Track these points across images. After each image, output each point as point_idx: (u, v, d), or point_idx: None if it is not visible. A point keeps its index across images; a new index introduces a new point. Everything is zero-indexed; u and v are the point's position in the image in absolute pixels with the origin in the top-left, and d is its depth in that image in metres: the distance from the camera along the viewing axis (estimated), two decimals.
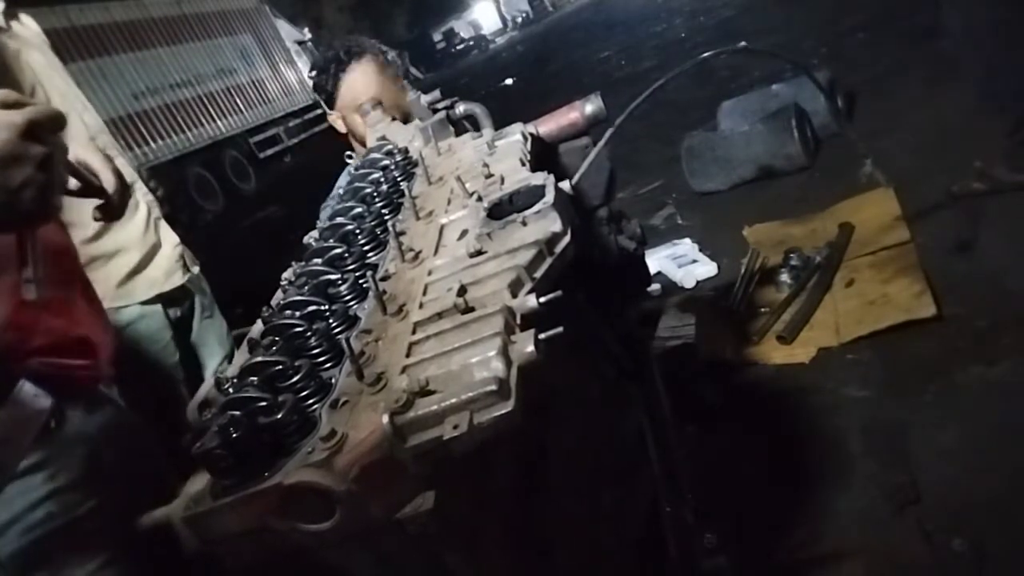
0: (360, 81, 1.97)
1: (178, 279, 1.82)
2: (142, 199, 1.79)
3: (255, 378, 0.91)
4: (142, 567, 1.01)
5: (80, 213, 1.26)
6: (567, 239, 1.03)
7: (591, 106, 1.64)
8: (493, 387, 0.76)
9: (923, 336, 2.25)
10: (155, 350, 1.75)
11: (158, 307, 1.76)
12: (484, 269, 1.00)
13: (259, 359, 0.93)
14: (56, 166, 0.83)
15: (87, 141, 1.60)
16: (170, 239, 1.80)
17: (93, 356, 1.07)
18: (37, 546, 0.95)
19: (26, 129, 0.80)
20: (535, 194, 1.11)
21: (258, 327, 1.11)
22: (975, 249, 2.52)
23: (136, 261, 1.72)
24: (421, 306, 0.98)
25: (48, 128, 0.83)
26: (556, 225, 1.03)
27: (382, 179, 1.45)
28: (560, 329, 0.84)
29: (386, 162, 1.54)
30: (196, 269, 1.91)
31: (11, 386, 0.95)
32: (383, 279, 1.11)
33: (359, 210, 1.32)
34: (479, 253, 1.03)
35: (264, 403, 0.83)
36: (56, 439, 0.99)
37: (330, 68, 1.98)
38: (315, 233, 1.31)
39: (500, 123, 1.69)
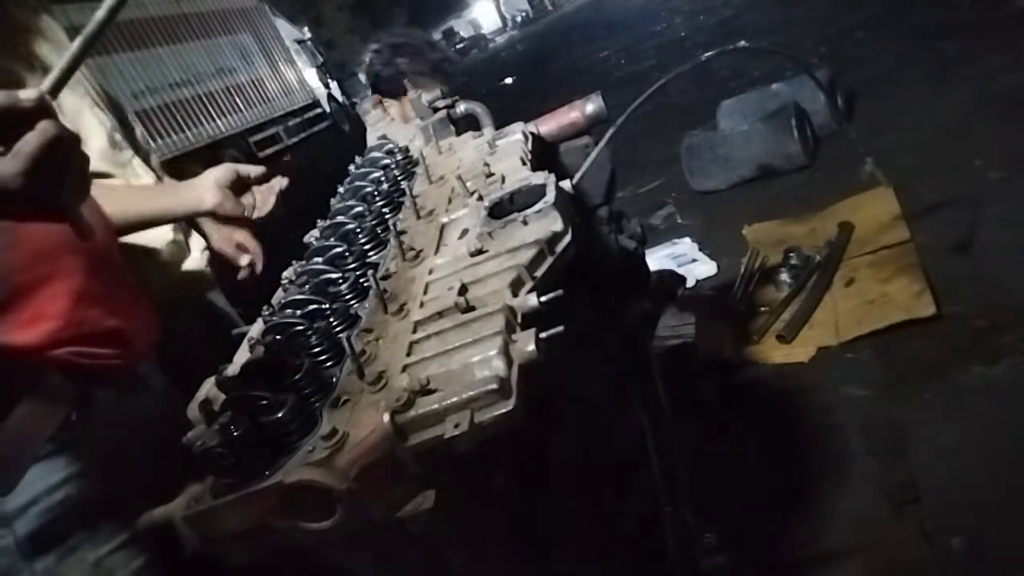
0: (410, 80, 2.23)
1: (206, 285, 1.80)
2: None
3: (256, 377, 0.90)
4: (156, 551, 1.01)
5: None
6: (568, 238, 1.03)
7: (592, 106, 1.64)
8: (494, 386, 0.76)
9: (923, 335, 2.25)
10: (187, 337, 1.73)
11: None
12: (485, 268, 1.00)
13: (260, 358, 0.93)
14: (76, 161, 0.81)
15: (105, 142, 1.56)
16: (198, 244, 1.75)
17: (126, 346, 1.07)
18: (52, 527, 0.95)
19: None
20: (536, 193, 1.11)
21: (259, 326, 1.11)
22: (975, 248, 2.52)
23: (160, 262, 1.67)
24: (422, 305, 0.98)
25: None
26: (557, 224, 1.03)
27: (383, 178, 1.45)
28: (561, 328, 0.84)
29: (387, 161, 1.54)
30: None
31: (37, 376, 0.95)
32: (384, 278, 1.11)
33: (360, 209, 1.32)
34: (480, 252, 1.03)
35: (265, 402, 0.83)
36: (82, 424, 0.99)
37: (390, 63, 2.24)
38: (316, 232, 1.32)
39: (500, 122, 1.70)
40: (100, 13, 0.75)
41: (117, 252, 1.19)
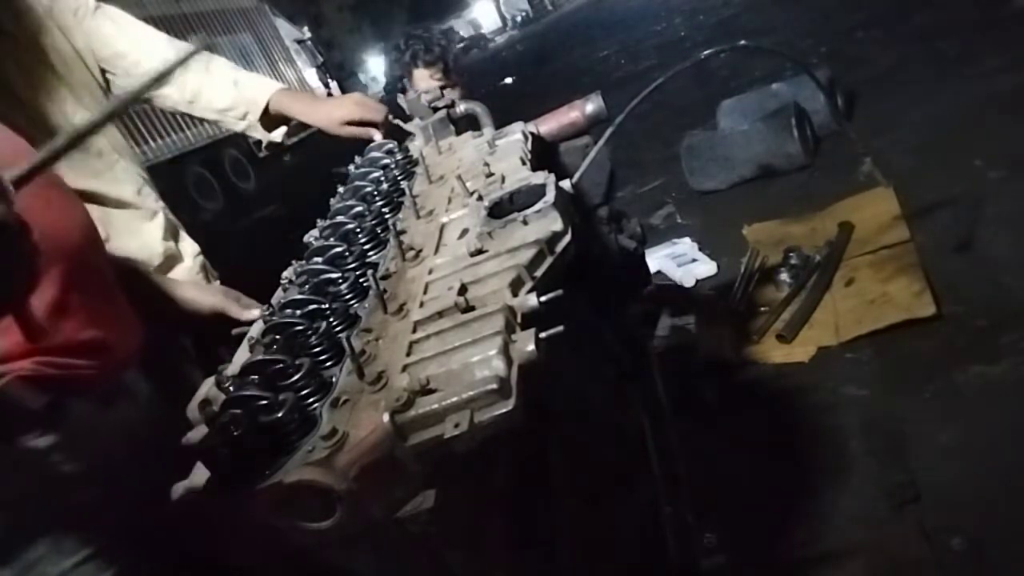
0: (423, 79, 2.46)
1: None
2: (160, 209, 1.68)
3: (256, 377, 0.90)
4: (127, 564, 1.00)
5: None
6: (568, 238, 1.03)
7: (592, 105, 1.64)
8: (494, 386, 0.76)
9: (923, 335, 2.25)
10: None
11: None
12: (485, 268, 1.00)
13: (260, 358, 0.93)
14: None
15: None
16: (190, 250, 1.71)
17: (103, 357, 1.05)
18: (10, 541, 0.94)
19: None
20: (536, 193, 1.11)
21: (258, 326, 1.11)
22: (974, 248, 2.52)
23: (154, 271, 1.59)
24: (422, 305, 0.98)
25: None
26: (557, 224, 1.03)
27: (383, 178, 1.45)
28: (561, 328, 0.84)
29: (387, 161, 1.54)
30: (216, 282, 1.85)
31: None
32: (384, 278, 1.11)
33: (359, 209, 1.32)
34: (480, 252, 1.03)
35: (265, 402, 0.83)
36: (47, 435, 0.98)
37: (403, 60, 2.49)
38: (315, 232, 1.32)
39: (500, 122, 1.69)
40: (82, 124, 0.71)
41: (101, 257, 1.17)
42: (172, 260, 1.65)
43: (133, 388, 1.13)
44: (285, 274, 1.24)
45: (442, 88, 2.31)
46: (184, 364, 1.49)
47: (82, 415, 1.01)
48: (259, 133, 1.79)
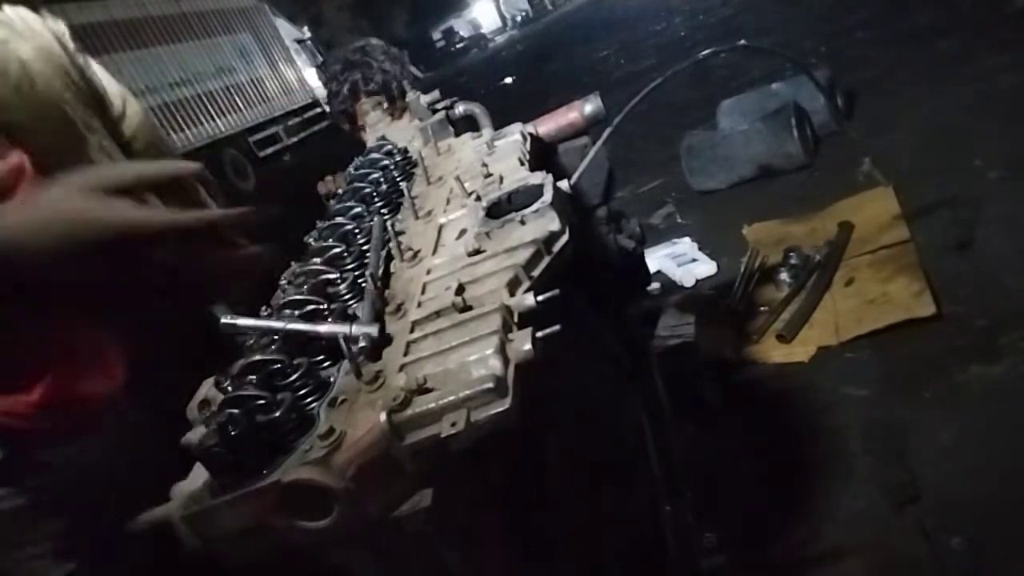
0: (370, 111, 2.18)
1: None
2: None
3: (254, 376, 0.90)
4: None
5: None
6: (565, 238, 1.03)
7: (590, 106, 1.64)
8: (490, 385, 0.76)
9: (922, 335, 2.25)
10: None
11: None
12: (482, 268, 1.00)
13: (258, 358, 0.93)
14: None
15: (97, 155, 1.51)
16: None
17: (95, 406, 1.05)
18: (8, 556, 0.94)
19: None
20: (533, 193, 1.11)
21: None
22: (974, 248, 2.52)
23: None
24: (419, 305, 0.98)
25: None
26: (554, 224, 1.03)
27: (381, 179, 1.45)
28: (557, 327, 0.84)
29: (385, 162, 1.54)
30: None
31: None
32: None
33: (358, 210, 1.32)
34: (477, 252, 1.03)
35: (262, 401, 0.83)
36: (27, 459, 0.98)
37: (343, 93, 2.20)
38: (315, 232, 1.32)
39: (499, 123, 1.69)
40: None
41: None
42: None
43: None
44: (284, 275, 1.24)
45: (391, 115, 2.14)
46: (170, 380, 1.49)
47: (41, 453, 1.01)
48: None
